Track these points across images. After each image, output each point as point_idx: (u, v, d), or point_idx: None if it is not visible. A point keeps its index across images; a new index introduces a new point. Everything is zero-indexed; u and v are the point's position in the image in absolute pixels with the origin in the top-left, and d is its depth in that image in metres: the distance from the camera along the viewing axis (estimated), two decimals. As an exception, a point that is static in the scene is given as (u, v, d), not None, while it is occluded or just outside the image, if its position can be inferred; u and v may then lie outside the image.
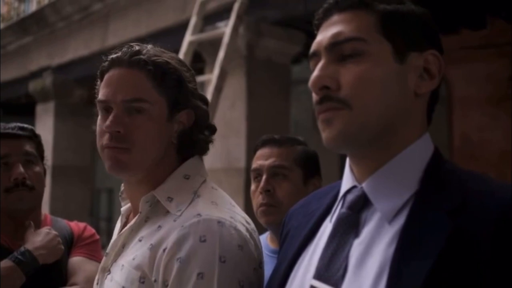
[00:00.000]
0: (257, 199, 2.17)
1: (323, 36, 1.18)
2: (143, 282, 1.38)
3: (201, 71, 6.03)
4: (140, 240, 1.46)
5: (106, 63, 1.53)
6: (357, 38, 1.14)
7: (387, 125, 1.13)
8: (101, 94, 1.50)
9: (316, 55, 1.19)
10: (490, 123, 4.35)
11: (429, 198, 1.07)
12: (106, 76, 1.52)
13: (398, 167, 1.13)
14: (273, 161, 2.16)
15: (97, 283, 1.57)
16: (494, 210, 0.99)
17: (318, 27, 1.23)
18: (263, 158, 2.19)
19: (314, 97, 1.16)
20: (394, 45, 1.15)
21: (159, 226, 1.44)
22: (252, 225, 1.50)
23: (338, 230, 1.16)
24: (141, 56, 1.49)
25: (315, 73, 1.15)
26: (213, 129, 1.61)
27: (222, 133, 5.68)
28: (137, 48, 1.53)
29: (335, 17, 1.19)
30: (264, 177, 2.15)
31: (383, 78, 1.13)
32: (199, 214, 1.39)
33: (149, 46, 1.56)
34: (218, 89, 5.13)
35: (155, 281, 1.36)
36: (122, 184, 1.62)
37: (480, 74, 4.40)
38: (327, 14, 1.21)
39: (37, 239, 2.12)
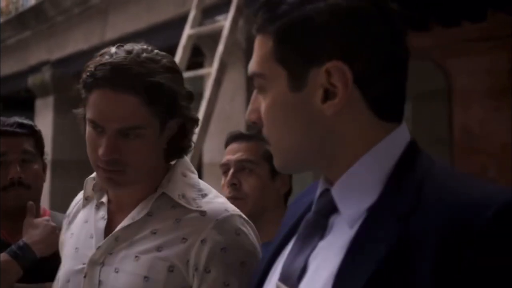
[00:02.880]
0: (224, 193, 2.17)
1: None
2: (171, 271, 1.48)
3: (200, 65, 6.01)
4: (154, 233, 1.53)
5: (90, 78, 1.49)
6: (257, 74, 1.10)
7: (311, 153, 1.10)
8: (92, 114, 1.50)
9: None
10: (491, 116, 4.35)
11: (386, 202, 1.03)
12: (95, 95, 1.49)
13: (360, 173, 1.08)
14: (240, 155, 2.21)
15: (85, 276, 1.57)
16: (443, 215, 0.94)
17: None
18: (231, 153, 2.25)
19: None
20: (289, 71, 1.06)
21: (177, 220, 1.53)
22: None
23: (304, 232, 1.13)
24: (133, 79, 1.46)
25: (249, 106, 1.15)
26: (195, 120, 1.64)
27: (222, 127, 5.67)
28: (124, 61, 1.48)
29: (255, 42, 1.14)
30: (231, 171, 2.21)
31: (281, 113, 1.09)
32: (226, 210, 1.53)
33: (139, 53, 1.51)
34: (218, 83, 5.12)
35: (196, 269, 1.47)
36: (92, 177, 1.69)
37: (480, 66, 4.39)
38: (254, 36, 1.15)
39: (35, 232, 2.13)
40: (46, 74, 9.23)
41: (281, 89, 1.07)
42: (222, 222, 1.50)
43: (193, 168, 1.66)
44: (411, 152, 1.09)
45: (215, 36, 5.44)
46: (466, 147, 4.53)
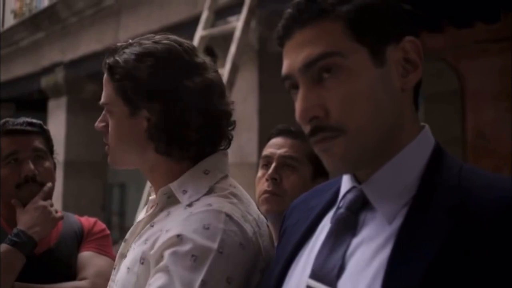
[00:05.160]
0: (261, 186, 2.16)
1: (293, 58, 1.12)
2: (142, 263, 1.41)
3: (213, 66, 6.01)
4: (152, 226, 1.48)
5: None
6: (331, 53, 1.07)
7: (386, 134, 1.09)
8: None
9: (290, 78, 1.14)
10: (503, 117, 4.33)
11: (428, 196, 1.04)
12: None
13: (397, 168, 1.09)
14: (284, 151, 2.14)
15: (115, 268, 1.58)
16: (494, 207, 0.96)
17: (281, 45, 1.16)
18: (275, 147, 2.17)
19: (306, 128, 1.11)
20: (370, 48, 1.08)
21: (169, 213, 1.47)
22: (263, 228, 1.48)
23: (335, 229, 1.13)
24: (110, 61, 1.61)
25: (299, 106, 1.10)
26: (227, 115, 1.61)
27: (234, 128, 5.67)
28: (112, 59, 1.63)
29: (298, 35, 1.11)
30: (273, 165, 2.14)
31: (368, 90, 1.07)
32: (209, 204, 1.40)
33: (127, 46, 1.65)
34: (230, 84, 5.13)
35: (151, 255, 1.38)
36: None
37: (493, 68, 4.37)
38: (288, 32, 1.13)
39: (26, 217, 2.14)
40: (59, 75, 9.27)
41: (365, 65, 1.08)
42: (194, 215, 1.38)
43: (224, 168, 1.56)
44: (440, 151, 1.12)
45: (227, 37, 5.45)
46: (479, 148, 4.52)
